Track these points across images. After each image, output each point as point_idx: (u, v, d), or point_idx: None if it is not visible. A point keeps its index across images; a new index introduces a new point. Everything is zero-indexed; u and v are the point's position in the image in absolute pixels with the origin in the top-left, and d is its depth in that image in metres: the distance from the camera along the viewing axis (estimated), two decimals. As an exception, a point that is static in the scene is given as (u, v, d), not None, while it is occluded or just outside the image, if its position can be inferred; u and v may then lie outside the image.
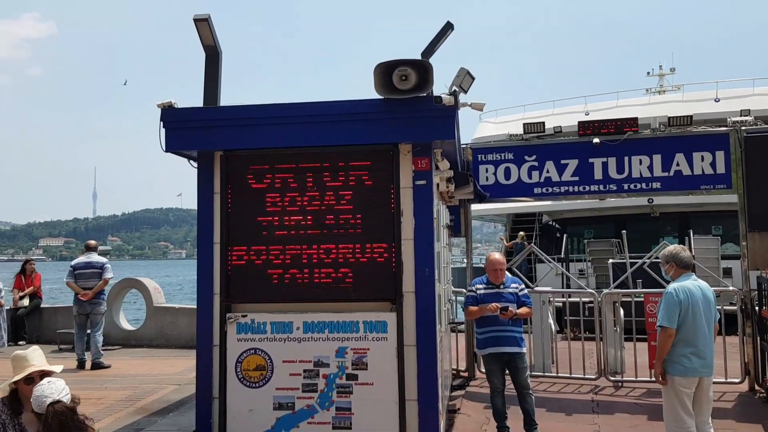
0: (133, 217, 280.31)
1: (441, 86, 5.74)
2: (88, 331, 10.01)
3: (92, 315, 9.98)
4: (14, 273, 12.82)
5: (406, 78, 5.13)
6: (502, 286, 6.18)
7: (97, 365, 9.64)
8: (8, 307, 11.97)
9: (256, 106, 5.58)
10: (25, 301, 12.23)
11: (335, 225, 5.45)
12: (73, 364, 9.61)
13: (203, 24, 5.54)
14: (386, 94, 5.22)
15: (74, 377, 8.77)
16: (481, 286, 6.25)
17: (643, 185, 7.96)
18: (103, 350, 10.06)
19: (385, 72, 5.17)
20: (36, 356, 3.69)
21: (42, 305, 12.60)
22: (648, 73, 25.55)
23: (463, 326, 8.72)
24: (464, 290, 6.92)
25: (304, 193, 5.49)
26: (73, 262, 10.33)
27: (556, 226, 21.77)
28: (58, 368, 3.73)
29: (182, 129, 5.55)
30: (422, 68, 5.17)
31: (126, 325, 12.09)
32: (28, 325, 12.28)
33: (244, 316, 5.51)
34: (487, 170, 8.45)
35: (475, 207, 10.00)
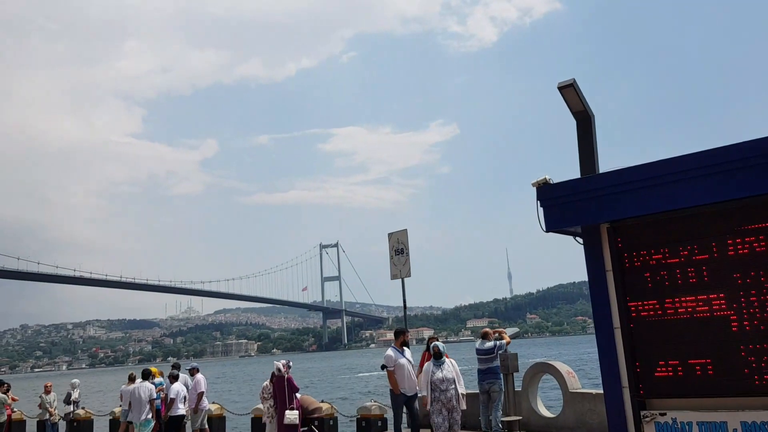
0: (548, 294, 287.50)
1: None
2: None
3: (491, 393, 11.17)
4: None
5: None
6: None
7: None
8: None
9: (643, 166, 4.77)
10: None
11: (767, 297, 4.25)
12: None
13: (569, 90, 5.12)
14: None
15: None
16: None
17: None
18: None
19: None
20: None
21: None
22: None
23: None
24: None
25: (716, 262, 4.44)
26: (478, 346, 11.76)
27: None
28: None
29: (561, 205, 5.09)
30: None
31: (545, 412, 11.75)
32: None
33: (662, 414, 4.59)
34: None
35: None
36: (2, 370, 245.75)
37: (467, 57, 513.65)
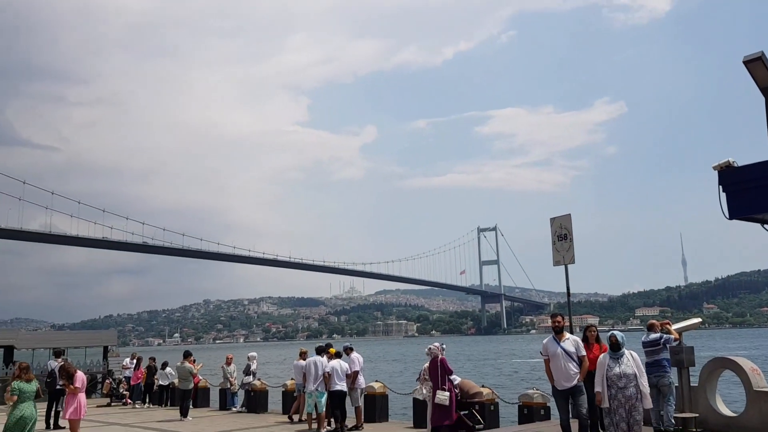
0: (728, 282, 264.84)
1: None
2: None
3: (660, 387, 10.61)
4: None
5: None
6: None
7: None
8: None
9: None
10: None
11: None
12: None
13: (756, 64, 4.66)
14: None
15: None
16: None
17: None
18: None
19: None
20: None
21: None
22: None
23: None
24: None
25: None
26: (644, 338, 11.30)
27: None
28: None
29: (747, 190, 4.67)
30: None
31: (725, 411, 10.89)
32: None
33: None
34: None
35: None
36: (189, 340, 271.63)
37: (636, 30, 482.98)
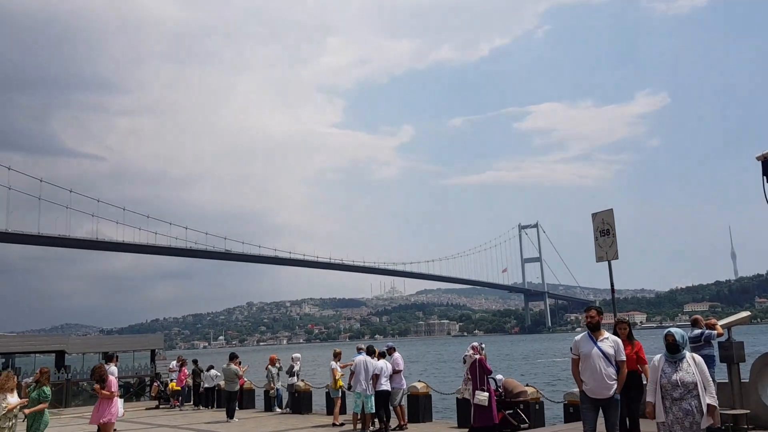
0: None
1: None
2: None
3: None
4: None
5: None
6: None
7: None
8: None
9: None
10: None
11: None
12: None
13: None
14: None
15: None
16: None
17: None
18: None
19: None
20: None
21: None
22: None
23: None
24: None
25: None
26: (689, 334, 10.70)
27: None
28: None
29: (795, 180, 4.53)
30: None
31: (777, 407, 10.59)
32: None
33: None
34: None
35: None
36: (233, 343, 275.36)
37: (677, 20, 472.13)
